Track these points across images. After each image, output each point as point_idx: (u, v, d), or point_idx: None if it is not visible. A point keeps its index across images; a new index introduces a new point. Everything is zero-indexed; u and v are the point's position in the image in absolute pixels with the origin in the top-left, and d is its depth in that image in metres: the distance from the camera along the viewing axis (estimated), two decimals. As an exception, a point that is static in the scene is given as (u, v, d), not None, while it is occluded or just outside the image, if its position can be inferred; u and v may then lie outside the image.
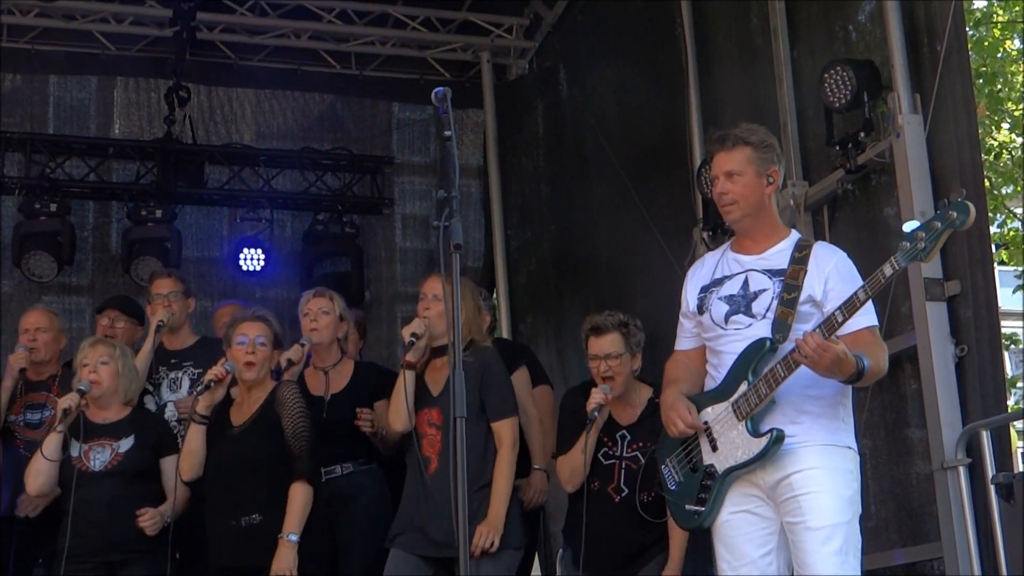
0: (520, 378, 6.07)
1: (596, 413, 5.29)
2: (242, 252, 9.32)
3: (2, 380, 6.35)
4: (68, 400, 5.48)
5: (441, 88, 4.05)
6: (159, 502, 5.60)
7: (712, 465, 4.35)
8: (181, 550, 5.81)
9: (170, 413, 6.32)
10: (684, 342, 4.62)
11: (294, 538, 5.19)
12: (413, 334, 5.31)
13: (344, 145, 10.02)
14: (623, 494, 5.39)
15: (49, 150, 9.37)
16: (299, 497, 5.26)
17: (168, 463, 5.67)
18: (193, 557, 5.84)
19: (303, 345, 5.89)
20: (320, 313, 5.98)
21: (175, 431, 6.14)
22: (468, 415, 4.97)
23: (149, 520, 5.52)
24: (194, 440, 5.39)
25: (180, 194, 9.40)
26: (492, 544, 5.14)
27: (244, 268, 9.31)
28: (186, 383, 6.36)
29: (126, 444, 5.60)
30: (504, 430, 5.34)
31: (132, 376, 5.81)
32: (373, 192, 9.97)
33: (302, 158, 9.84)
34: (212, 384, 5.36)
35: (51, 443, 5.46)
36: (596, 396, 5.32)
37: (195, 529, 5.64)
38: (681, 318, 4.62)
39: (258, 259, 9.32)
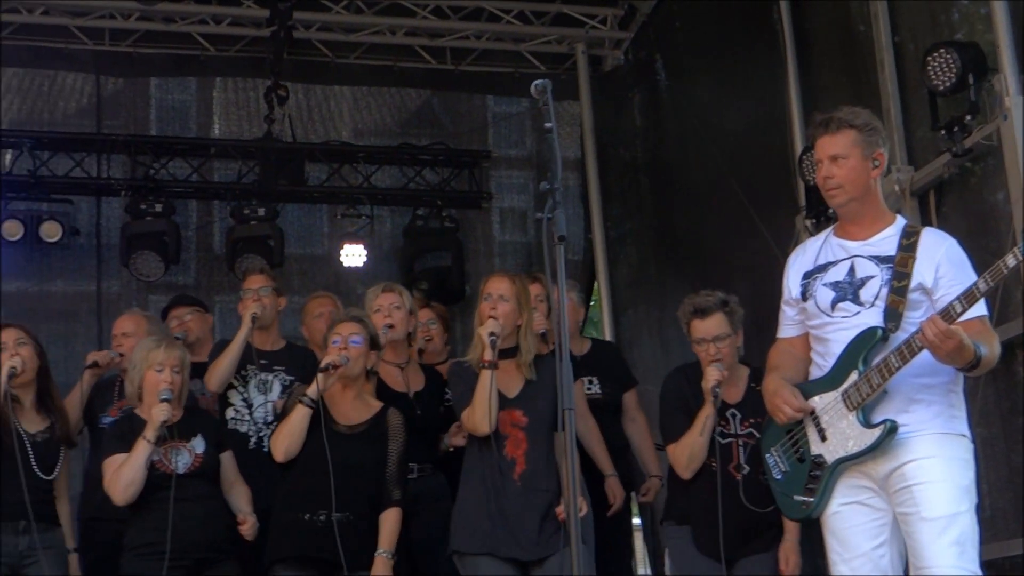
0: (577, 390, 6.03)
1: (717, 391, 5.24)
2: (343, 248, 9.39)
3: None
4: (165, 412, 5.48)
5: (541, 80, 4.04)
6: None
7: (821, 455, 4.30)
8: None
9: (259, 413, 6.36)
10: (787, 330, 4.56)
11: (389, 555, 5.34)
12: (492, 333, 5.29)
13: (441, 140, 10.05)
14: (744, 472, 5.34)
15: (153, 151, 9.52)
16: (393, 521, 5.42)
17: (227, 458, 5.77)
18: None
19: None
20: (393, 308, 5.99)
21: (261, 431, 6.26)
22: (546, 419, 5.09)
23: (250, 529, 5.62)
24: (299, 422, 5.41)
25: (281, 192, 9.49)
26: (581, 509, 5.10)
27: (345, 264, 9.38)
28: (277, 387, 6.36)
29: (199, 445, 5.64)
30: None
31: (188, 382, 5.86)
32: (471, 186, 9.99)
33: (400, 154, 9.88)
34: (329, 369, 5.38)
35: (146, 454, 5.47)
36: (713, 374, 5.26)
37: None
38: (783, 305, 4.57)
39: (359, 255, 9.38)
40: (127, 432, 5.59)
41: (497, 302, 5.38)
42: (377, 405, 5.61)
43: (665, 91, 9.47)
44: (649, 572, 8.38)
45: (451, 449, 5.97)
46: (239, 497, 5.75)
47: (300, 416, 5.42)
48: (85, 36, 9.45)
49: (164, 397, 5.51)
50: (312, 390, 5.42)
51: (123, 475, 5.47)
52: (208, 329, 6.92)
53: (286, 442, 5.44)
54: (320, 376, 5.40)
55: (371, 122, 10.19)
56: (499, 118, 10.34)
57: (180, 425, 5.62)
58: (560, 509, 5.09)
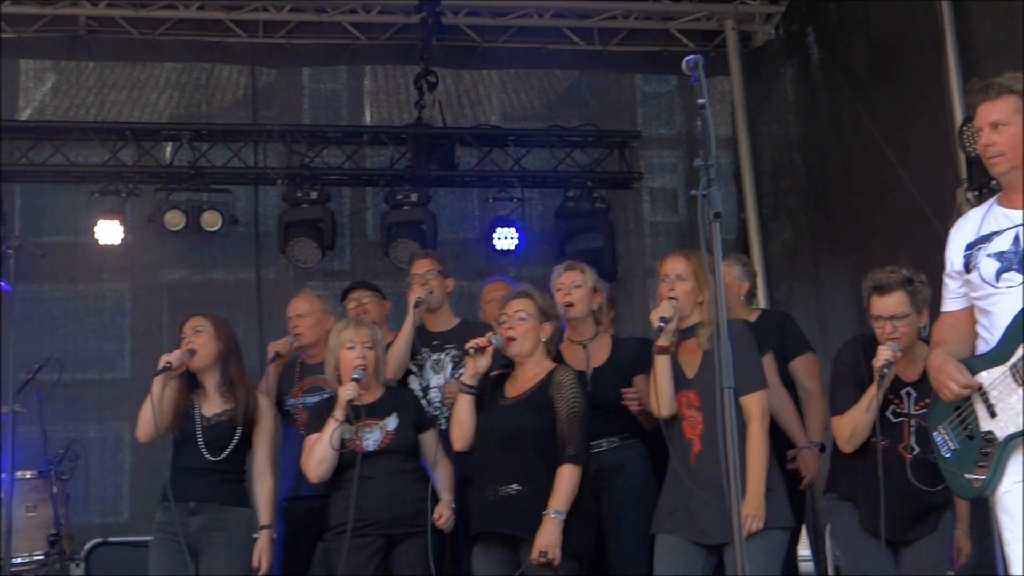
0: (766, 364, 5.95)
1: (885, 371, 5.08)
2: (495, 232, 9.43)
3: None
4: (351, 391, 5.60)
5: (692, 56, 4.01)
6: (423, 479, 5.73)
7: (991, 432, 4.18)
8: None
9: (434, 395, 6.41)
10: (950, 303, 4.44)
11: (558, 515, 5.21)
12: (662, 318, 5.23)
13: (590, 121, 10.03)
14: (914, 453, 5.21)
15: (307, 140, 9.68)
16: (568, 478, 5.28)
17: (428, 438, 5.82)
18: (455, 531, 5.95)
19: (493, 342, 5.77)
20: (572, 287, 5.96)
21: (438, 412, 6.28)
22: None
23: (445, 522, 5.69)
24: (463, 410, 5.46)
25: (433, 177, 9.58)
26: (755, 526, 5.01)
27: (498, 247, 9.43)
28: (448, 366, 6.42)
29: (392, 423, 5.72)
30: (752, 404, 5.19)
31: (383, 358, 5.92)
32: (621, 167, 9.95)
33: (550, 136, 9.89)
34: (472, 352, 5.41)
35: (338, 433, 5.59)
36: (884, 353, 5.10)
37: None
38: (946, 279, 4.44)
39: (511, 238, 9.42)
40: (324, 412, 5.72)
41: (675, 282, 5.33)
42: (547, 369, 5.53)
43: (818, 65, 9.30)
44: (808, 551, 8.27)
45: None
46: (440, 479, 5.79)
47: (463, 405, 5.46)
48: (240, 29, 9.65)
49: (355, 376, 5.63)
50: (467, 376, 5.45)
51: (314, 453, 5.63)
52: (384, 315, 6.99)
53: (458, 433, 5.50)
54: (469, 361, 5.43)
55: (520, 105, 10.22)
56: (648, 97, 10.28)
57: (377, 404, 5.75)
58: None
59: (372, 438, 5.66)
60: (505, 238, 9.43)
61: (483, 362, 5.45)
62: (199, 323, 5.93)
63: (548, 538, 5.17)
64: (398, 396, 5.94)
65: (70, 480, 7.02)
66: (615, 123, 10.08)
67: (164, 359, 5.75)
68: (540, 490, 5.29)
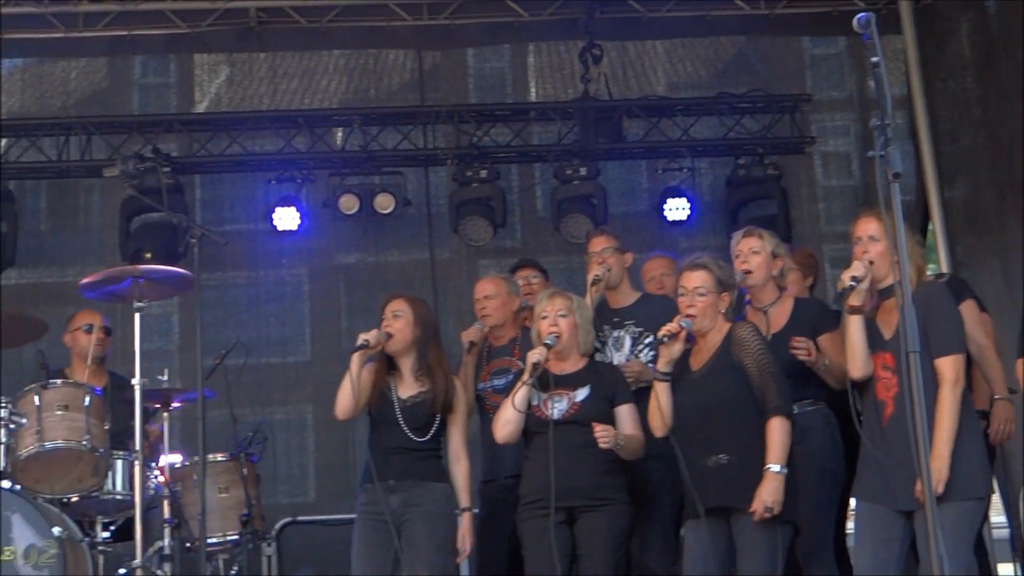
0: (968, 310, 5.78)
1: None
2: (666, 203, 9.36)
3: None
4: (537, 354, 5.64)
5: (864, 14, 3.91)
6: (612, 453, 5.67)
7: None
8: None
9: None
10: None
11: (778, 468, 5.15)
12: (853, 278, 5.10)
13: (758, 87, 9.88)
14: None
15: (474, 120, 9.74)
16: (778, 431, 5.21)
17: (624, 411, 5.77)
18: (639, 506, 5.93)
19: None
20: (751, 253, 5.87)
21: None
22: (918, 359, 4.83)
23: (604, 434, 5.57)
24: (662, 397, 5.38)
25: (601, 150, 9.55)
26: (936, 491, 4.87)
27: (670, 219, 9.35)
28: (627, 342, 6.34)
29: (582, 394, 5.71)
30: (944, 367, 5.04)
31: (589, 328, 5.92)
32: (792, 132, 9.77)
33: (718, 104, 9.77)
34: (666, 340, 5.37)
35: (520, 395, 5.64)
36: None
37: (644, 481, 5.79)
38: None
39: (682, 209, 9.34)
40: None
41: (868, 244, 5.21)
42: (725, 331, 5.45)
43: (995, 17, 8.98)
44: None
45: None
46: (631, 455, 5.75)
47: (661, 392, 5.39)
48: (405, 13, 9.74)
49: (547, 342, 5.68)
50: (661, 364, 5.39)
51: (501, 414, 5.71)
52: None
53: (657, 419, 5.43)
54: (662, 349, 5.37)
55: (686, 74, 10.14)
56: (817, 60, 10.09)
57: (574, 375, 5.79)
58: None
59: (558, 407, 5.68)
60: (676, 209, 9.36)
61: (676, 348, 5.38)
62: (399, 307, 6.00)
63: (772, 493, 5.12)
64: (598, 369, 5.92)
65: (259, 462, 7.19)
66: (784, 87, 9.91)
67: (362, 337, 5.83)
68: (747, 456, 5.24)
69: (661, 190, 9.55)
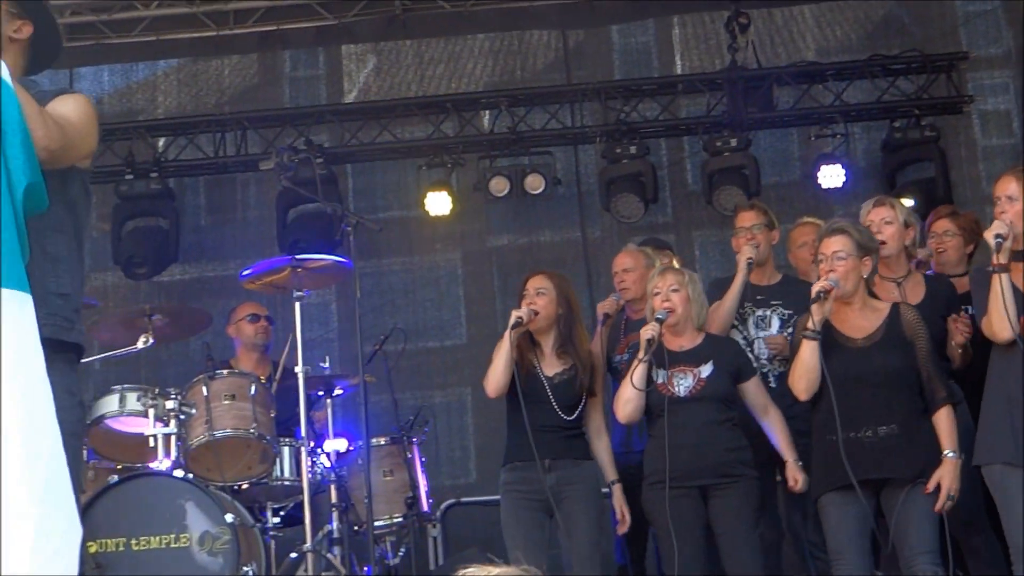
0: None
1: None
2: (820, 170, 9.18)
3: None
4: (650, 330, 5.58)
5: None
6: (737, 428, 5.65)
7: None
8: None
9: (759, 350, 6.27)
10: None
11: (953, 455, 5.11)
12: (998, 235, 4.97)
13: (911, 47, 9.62)
14: None
15: (622, 96, 9.68)
16: (948, 418, 5.18)
17: (750, 386, 5.74)
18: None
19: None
20: (883, 224, 5.71)
21: (766, 369, 6.19)
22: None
23: (801, 485, 5.57)
24: (811, 357, 5.27)
25: (752, 120, 9.40)
26: None
27: (824, 186, 9.17)
28: (776, 323, 6.26)
29: (707, 369, 5.66)
30: None
31: (702, 301, 5.85)
32: (949, 91, 9.50)
33: (871, 66, 9.53)
34: (821, 296, 5.23)
35: (638, 372, 5.58)
36: None
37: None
38: None
39: (837, 175, 9.14)
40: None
41: (1006, 204, 5.10)
42: (885, 307, 5.37)
43: None
44: None
45: None
46: (773, 427, 5.75)
47: (809, 351, 5.28)
48: (549, -8, 9.73)
49: (658, 317, 5.62)
50: (813, 321, 5.28)
51: (621, 393, 5.67)
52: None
53: (804, 381, 5.32)
54: (814, 307, 5.27)
55: (836, 38, 9.92)
56: (972, 16, 9.77)
57: (695, 350, 5.73)
58: None
59: (684, 384, 5.63)
60: (831, 176, 9.16)
61: (828, 307, 5.27)
62: (542, 284, 5.99)
63: (954, 480, 5.08)
64: (719, 344, 5.86)
65: (421, 444, 7.26)
66: (938, 46, 9.63)
67: (515, 314, 5.84)
68: (911, 429, 5.18)
69: (814, 157, 9.36)
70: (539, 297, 5.94)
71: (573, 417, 5.88)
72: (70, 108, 3.51)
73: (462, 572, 2.38)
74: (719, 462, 5.57)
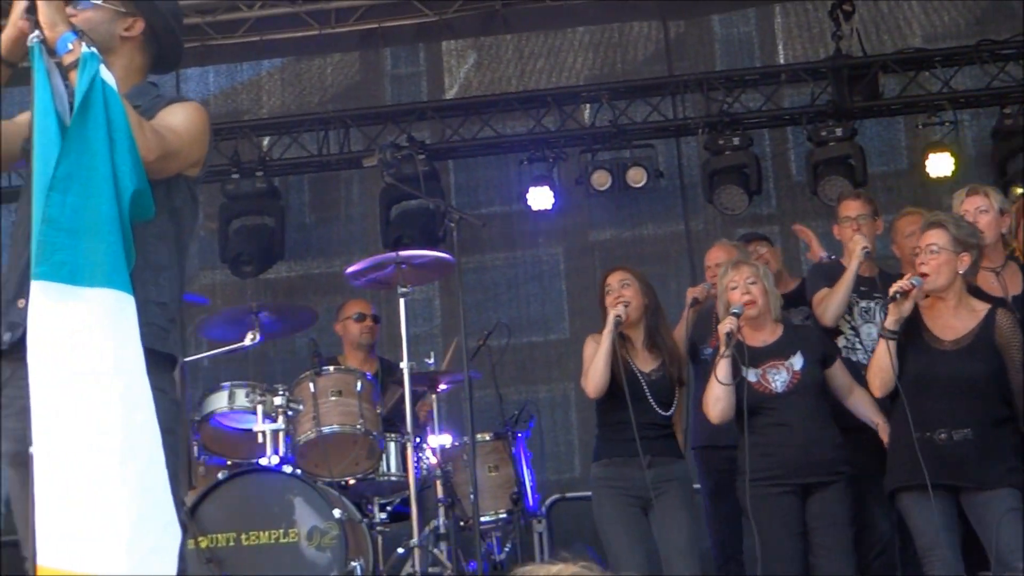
0: None
1: None
2: (928, 159, 9.01)
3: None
4: (728, 324, 5.49)
5: None
6: (830, 417, 5.56)
7: None
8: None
9: (869, 341, 6.10)
10: None
11: None
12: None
13: (1021, 31, 9.38)
14: None
15: (724, 86, 9.58)
16: None
17: (835, 370, 5.66)
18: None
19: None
20: (978, 213, 5.58)
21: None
22: None
23: (884, 434, 5.49)
24: (885, 356, 5.20)
25: (857, 109, 9.26)
26: None
27: (933, 175, 9.00)
28: (879, 316, 6.09)
29: (798, 362, 5.56)
30: None
31: (776, 293, 5.77)
32: (1062, 76, 9.28)
33: (980, 52, 9.32)
34: (898, 297, 5.16)
35: (722, 368, 5.48)
36: None
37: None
38: None
39: (945, 164, 8.96)
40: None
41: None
42: (982, 310, 5.26)
43: None
44: None
45: None
46: (859, 402, 5.66)
47: (883, 350, 5.21)
48: (649, -17, 9.68)
49: (734, 311, 5.52)
50: (890, 321, 5.20)
51: (709, 393, 5.57)
52: (780, 261, 6.84)
53: (878, 379, 5.27)
54: (892, 307, 5.18)
55: (943, 24, 9.75)
56: (1085, -2, 9.51)
57: (779, 343, 5.64)
58: None
59: (780, 379, 5.54)
60: (939, 164, 8.99)
61: (906, 306, 5.19)
62: (624, 276, 5.96)
63: None
64: (800, 333, 5.78)
65: (526, 440, 7.26)
66: (1050, 30, 9.40)
67: (614, 312, 5.80)
68: (987, 436, 5.10)
69: (922, 146, 9.19)
70: (625, 289, 5.90)
71: (668, 413, 5.86)
72: (179, 118, 3.51)
73: (520, 571, 2.34)
74: (825, 459, 5.47)
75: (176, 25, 3.75)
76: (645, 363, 5.92)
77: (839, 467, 5.49)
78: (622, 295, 5.88)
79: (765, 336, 5.66)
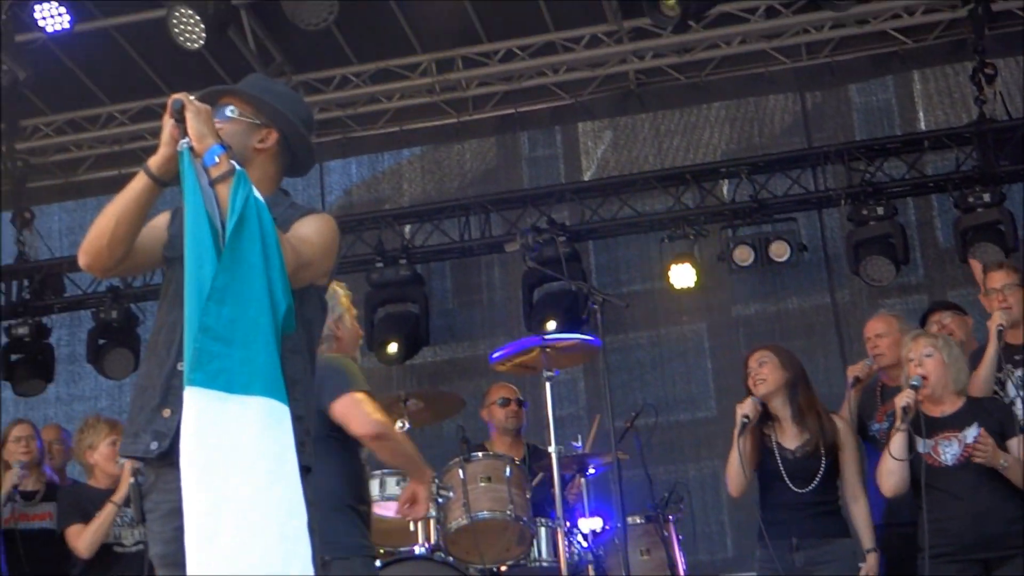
0: None
1: None
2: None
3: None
4: (905, 397, 5.43)
5: None
6: (1014, 495, 5.37)
7: None
8: None
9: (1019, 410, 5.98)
10: None
11: None
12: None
13: None
14: None
15: (864, 155, 9.46)
16: None
17: (1014, 444, 5.48)
18: None
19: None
20: None
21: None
22: None
23: (983, 446, 5.34)
24: None
25: (1004, 173, 9.05)
26: None
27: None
28: None
29: (972, 434, 5.44)
30: None
31: (960, 365, 5.64)
32: None
33: None
34: None
35: (896, 443, 5.41)
36: None
37: None
38: None
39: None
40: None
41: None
42: None
43: None
44: None
45: None
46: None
47: None
48: (784, 56, 9.62)
49: (912, 383, 5.48)
50: None
51: (882, 466, 5.49)
52: (969, 331, 6.69)
53: None
54: None
55: (1091, 83, 9.50)
56: None
57: (957, 415, 5.55)
58: None
59: (950, 451, 5.44)
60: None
61: None
62: (762, 355, 5.97)
63: None
64: (980, 405, 5.64)
65: (677, 522, 7.17)
66: None
67: (741, 413, 5.79)
68: None
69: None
70: (762, 368, 5.90)
71: (808, 490, 5.76)
72: (312, 229, 3.55)
73: None
74: (1001, 533, 5.33)
75: (308, 133, 3.80)
76: (792, 439, 5.87)
77: (1017, 541, 5.32)
78: (759, 374, 5.87)
79: (945, 407, 5.58)
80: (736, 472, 5.77)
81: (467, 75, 9.81)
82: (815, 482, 5.78)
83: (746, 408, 5.80)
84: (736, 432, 5.77)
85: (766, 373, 5.87)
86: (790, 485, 5.75)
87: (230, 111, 3.59)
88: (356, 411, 4.67)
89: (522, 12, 9.32)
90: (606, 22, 9.38)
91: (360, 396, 4.72)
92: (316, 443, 3.54)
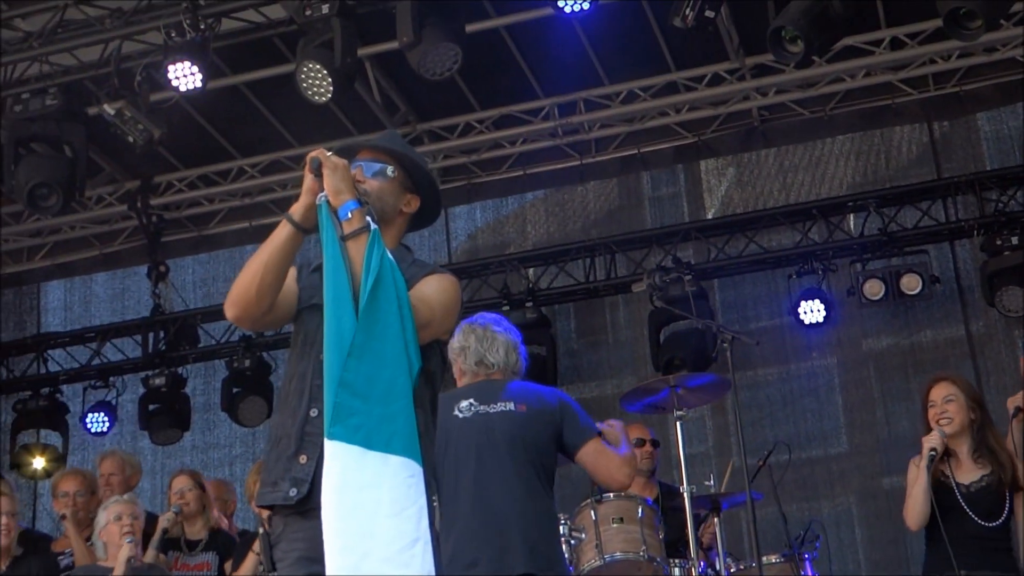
0: None
1: None
2: None
3: None
4: (933, 440, 5.52)
5: None
6: None
7: None
8: None
9: None
10: None
11: None
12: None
13: None
14: None
15: (996, 185, 9.29)
16: None
17: None
18: None
19: None
20: None
21: None
22: None
23: None
24: None
25: None
26: None
27: None
28: None
29: None
30: None
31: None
32: None
33: None
34: None
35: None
36: None
37: None
38: None
39: None
40: None
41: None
42: None
43: None
44: None
45: None
46: None
47: None
48: (910, 87, 9.51)
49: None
50: None
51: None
52: None
53: None
54: None
55: None
56: None
57: None
58: None
59: None
60: None
61: None
62: (948, 391, 5.85)
63: None
64: None
65: (814, 561, 7.05)
66: None
67: (928, 446, 5.70)
68: None
69: None
70: (948, 404, 5.79)
71: (994, 524, 5.66)
72: (434, 288, 3.62)
73: None
74: None
75: (438, 196, 3.92)
76: (968, 474, 5.79)
77: None
78: (945, 411, 5.80)
79: None
80: (921, 505, 5.68)
81: (589, 118, 9.86)
82: (1002, 517, 5.69)
83: (933, 441, 5.70)
84: (923, 464, 5.67)
85: (953, 412, 5.79)
86: (973, 517, 5.67)
87: (391, 171, 3.69)
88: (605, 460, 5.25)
89: (643, 53, 9.34)
90: (728, 60, 9.37)
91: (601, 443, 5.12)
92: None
